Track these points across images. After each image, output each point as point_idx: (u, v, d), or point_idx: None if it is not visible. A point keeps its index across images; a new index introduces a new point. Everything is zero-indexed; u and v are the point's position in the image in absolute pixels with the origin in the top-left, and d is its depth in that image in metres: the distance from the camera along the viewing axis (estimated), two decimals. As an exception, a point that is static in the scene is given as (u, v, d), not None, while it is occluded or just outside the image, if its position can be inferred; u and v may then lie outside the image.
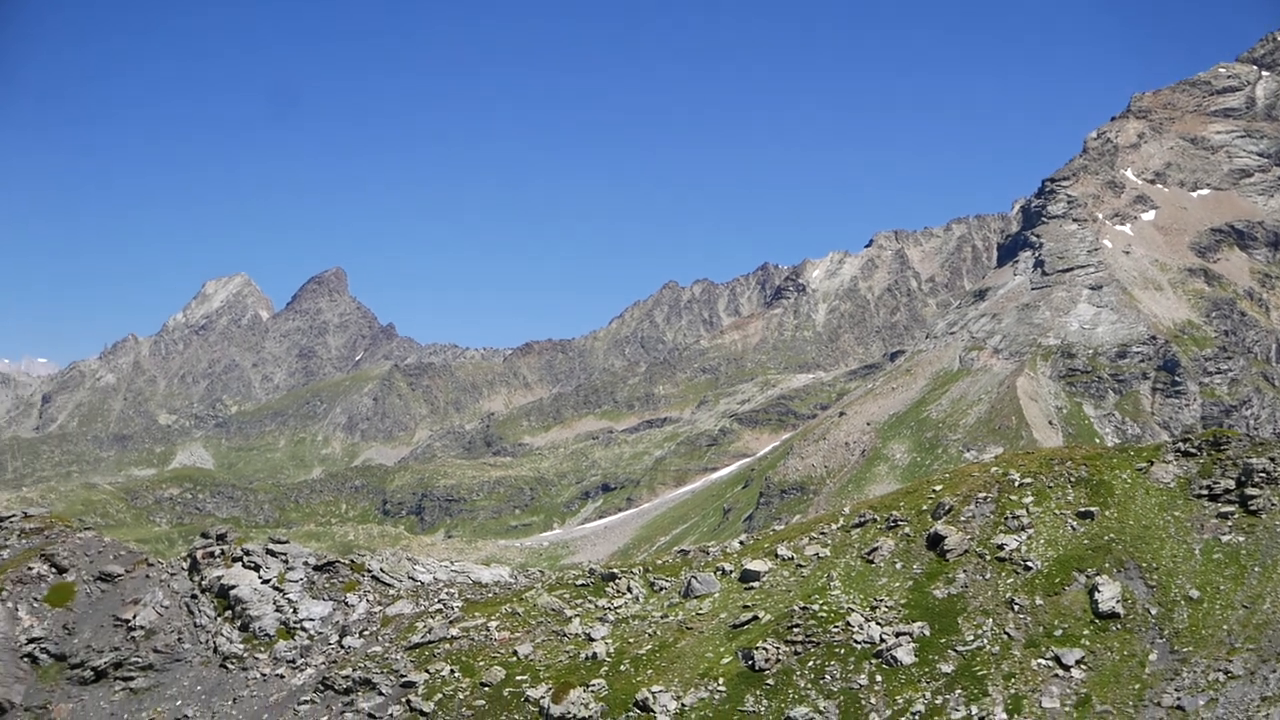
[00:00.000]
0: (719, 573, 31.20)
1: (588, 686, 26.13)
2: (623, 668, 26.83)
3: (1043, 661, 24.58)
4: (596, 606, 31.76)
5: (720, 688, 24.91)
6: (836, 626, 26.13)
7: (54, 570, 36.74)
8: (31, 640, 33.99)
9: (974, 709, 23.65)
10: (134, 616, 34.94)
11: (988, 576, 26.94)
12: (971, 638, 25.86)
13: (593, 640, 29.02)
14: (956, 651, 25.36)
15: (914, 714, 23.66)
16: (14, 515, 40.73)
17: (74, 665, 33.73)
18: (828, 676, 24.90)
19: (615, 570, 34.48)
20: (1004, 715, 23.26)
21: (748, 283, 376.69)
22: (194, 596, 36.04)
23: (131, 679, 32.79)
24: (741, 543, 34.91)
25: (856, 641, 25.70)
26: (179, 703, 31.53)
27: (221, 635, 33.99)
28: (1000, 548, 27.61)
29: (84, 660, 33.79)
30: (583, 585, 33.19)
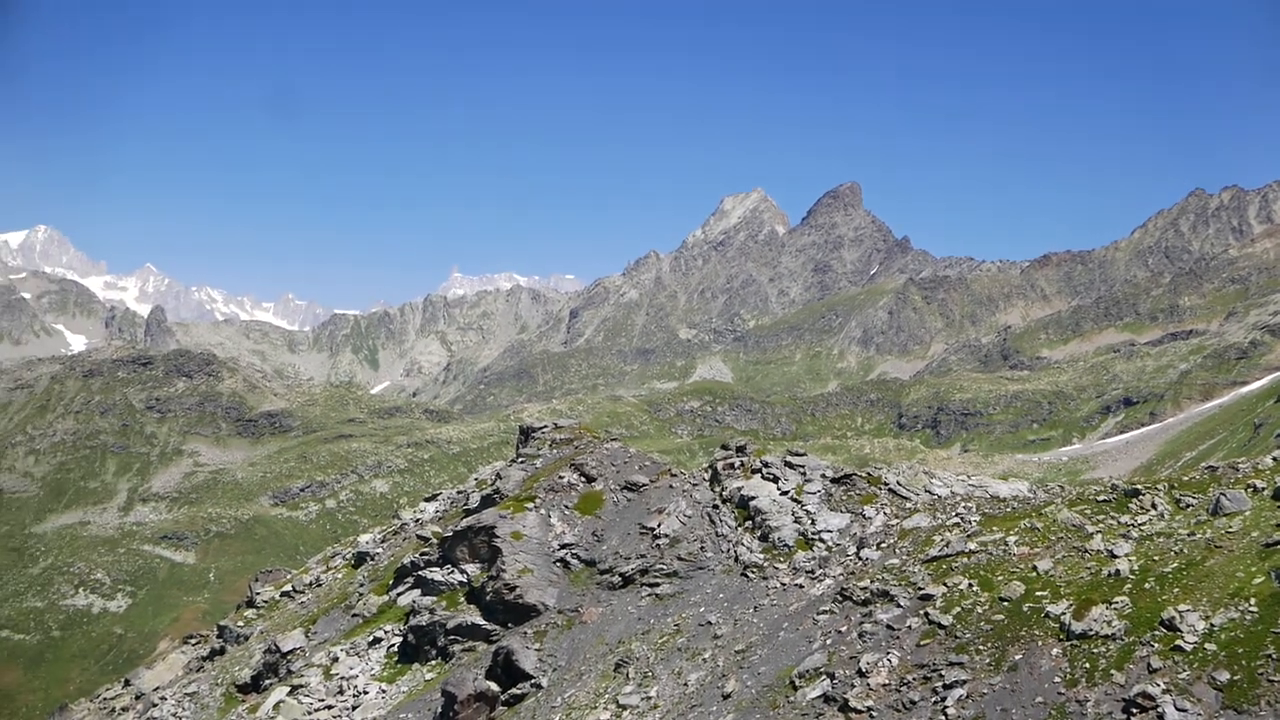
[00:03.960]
0: (1250, 490, 37.68)
1: (1110, 604, 33.10)
2: (1147, 585, 33.62)
3: None
4: (1119, 523, 38.97)
5: (1252, 608, 30.59)
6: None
7: (583, 479, 51.55)
8: (563, 546, 48.18)
9: None
10: (659, 525, 47.63)
11: None
12: None
13: (1115, 557, 36.17)
14: None
15: None
16: (545, 426, 58.43)
17: (603, 571, 46.70)
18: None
19: (1139, 486, 41.70)
20: None
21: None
22: (715, 507, 48.41)
23: (657, 585, 45.09)
24: (1275, 459, 40.98)
25: None
26: (702, 609, 43.10)
27: (742, 545, 45.69)
28: None
29: (612, 566, 46.55)
30: (1104, 501, 41.15)
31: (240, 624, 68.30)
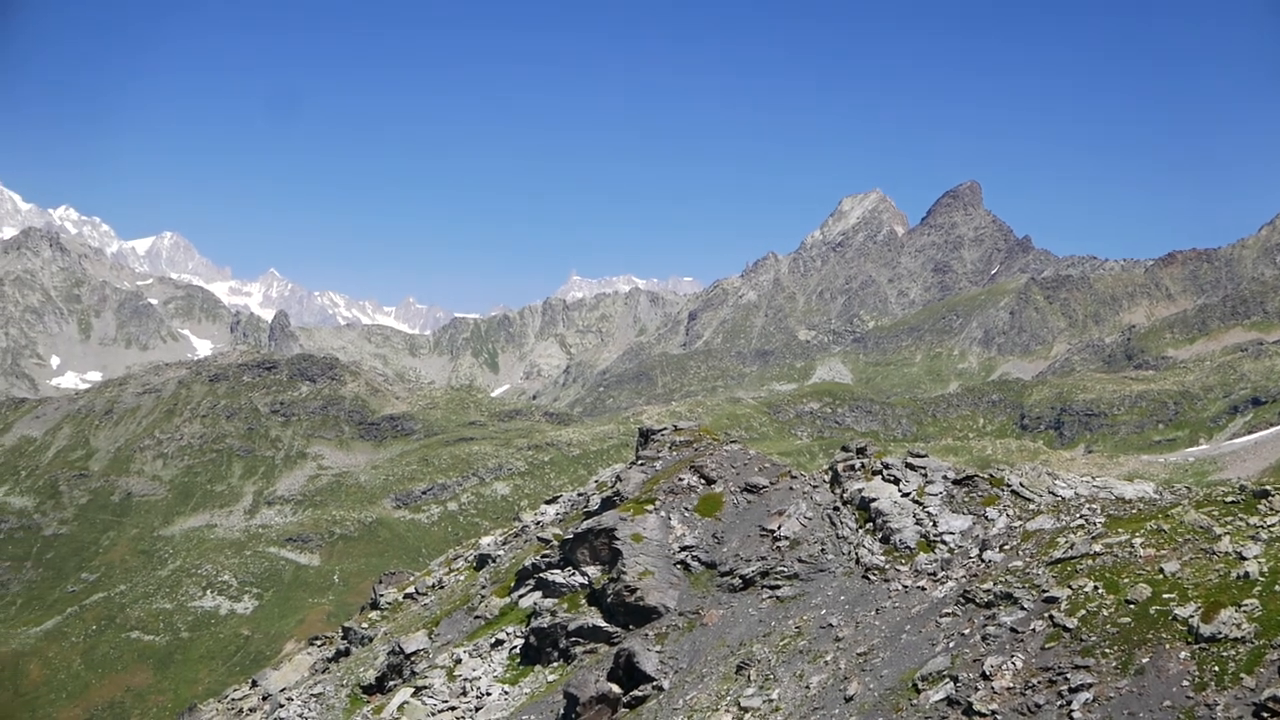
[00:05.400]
0: (1386, 491, 34.61)
1: (1239, 606, 32.85)
2: (1277, 588, 33.40)
3: None
4: (1248, 524, 38.50)
5: (1396, 611, 28.18)
6: None
7: (703, 481, 52.09)
8: (684, 548, 48.73)
9: None
10: (779, 527, 48.09)
11: None
12: None
13: (1244, 559, 35.74)
14: None
15: None
16: (665, 428, 59.37)
17: (723, 573, 47.15)
18: None
19: (1268, 487, 40.87)
20: None
21: None
22: (836, 508, 48.63)
23: (778, 587, 45.54)
24: None
25: None
26: (823, 611, 43.44)
27: (863, 547, 45.90)
28: None
29: (733, 568, 46.99)
30: (1232, 502, 40.65)
31: (364, 626, 70.34)
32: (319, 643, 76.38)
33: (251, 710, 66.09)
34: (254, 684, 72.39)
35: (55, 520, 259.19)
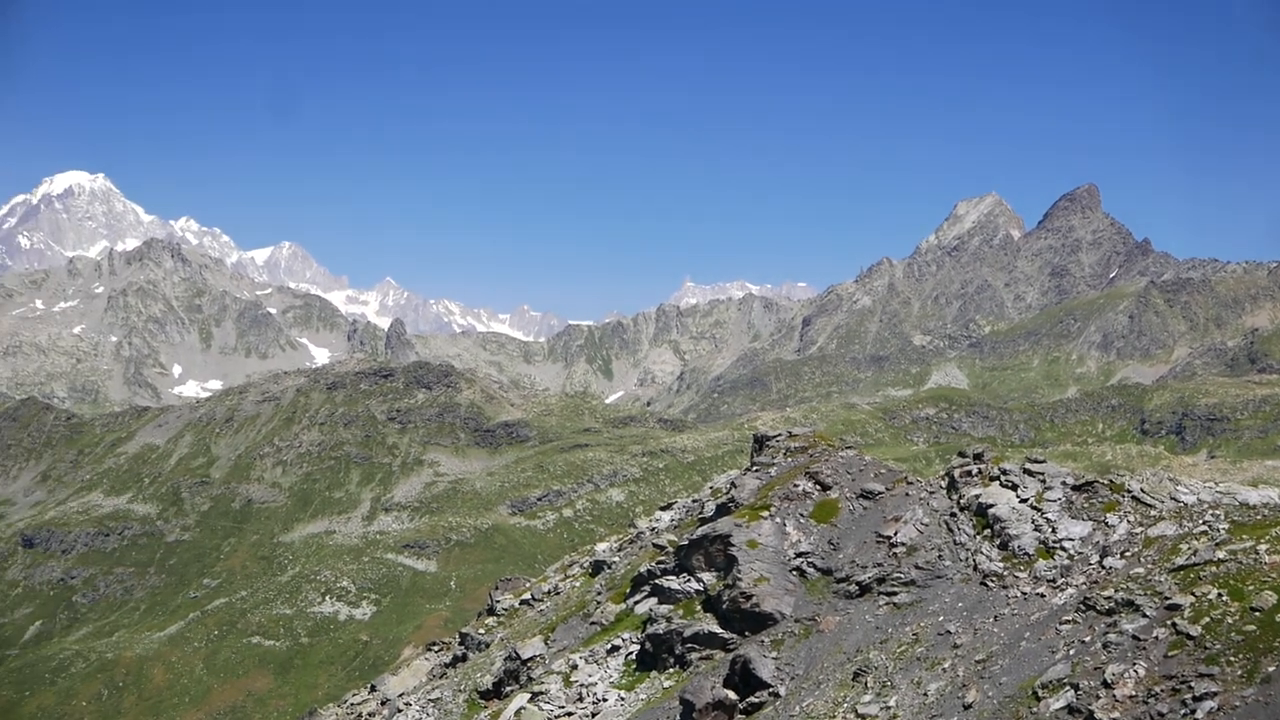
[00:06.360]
0: None
1: None
2: None
3: None
4: None
5: None
6: None
7: (818, 487, 52.23)
8: (799, 555, 49.08)
9: None
10: (895, 533, 48.26)
11: None
12: None
13: None
14: None
15: None
16: (780, 434, 59.27)
17: (839, 579, 47.40)
18: None
19: None
20: None
21: None
22: (952, 514, 48.70)
23: (895, 594, 45.63)
24: None
25: None
26: (940, 618, 43.65)
27: (980, 553, 45.88)
28: None
29: (849, 575, 47.23)
30: None
31: (481, 631, 71.66)
32: (436, 648, 78.01)
33: (370, 715, 67.76)
34: (372, 689, 74.18)
35: (177, 527, 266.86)
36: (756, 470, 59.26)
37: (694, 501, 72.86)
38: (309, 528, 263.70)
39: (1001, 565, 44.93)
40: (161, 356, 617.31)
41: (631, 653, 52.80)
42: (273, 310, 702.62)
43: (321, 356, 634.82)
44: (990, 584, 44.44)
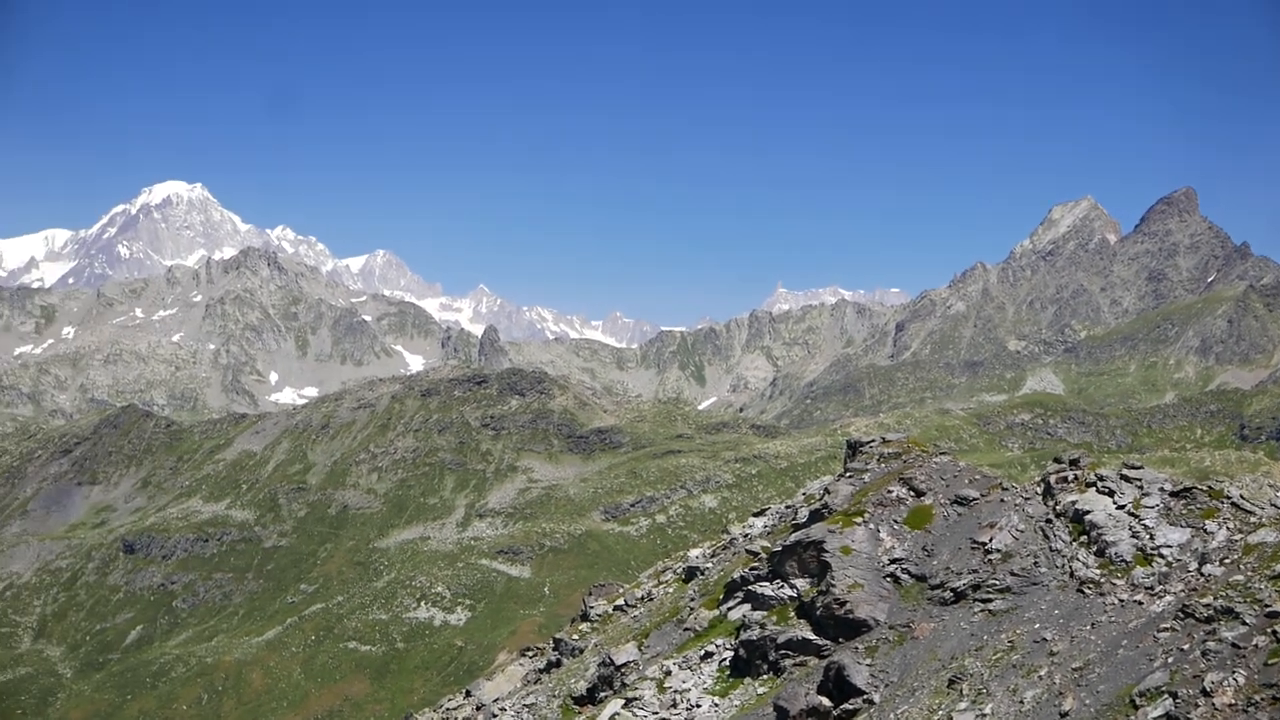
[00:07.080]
0: None
1: None
2: None
3: None
4: None
5: None
6: None
7: (912, 493, 52.48)
8: (893, 561, 49.24)
9: None
10: (990, 540, 48.26)
11: None
12: None
13: None
14: None
15: None
16: (873, 440, 59.37)
17: (934, 586, 47.48)
18: None
19: None
20: None
21: None
22: (1048, 521, 48.43)
23: (990, 601, 45.56)
24: None
25: None
26: (1036, 625, 43.45)
27: (1077, 560, 45.69)
28: None
29: (943, 581, 47.29)
30: None
31: (575, 637, 72.47)
32: (530, 654, 78.93)
33: None
34: (468, 694, 75.27)
35: (275, 533, 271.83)
36: (850, 476, 59.48)
37: (787, 507, 73.13)
38: (404, 534, 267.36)
39: (1098, 572, 44.82)
40: (258, 364, 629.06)
41: (725, 659, 53.28)
42: (367, 318, 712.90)
43: (416, 363, 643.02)
44: (1087, 591, 44.34)
